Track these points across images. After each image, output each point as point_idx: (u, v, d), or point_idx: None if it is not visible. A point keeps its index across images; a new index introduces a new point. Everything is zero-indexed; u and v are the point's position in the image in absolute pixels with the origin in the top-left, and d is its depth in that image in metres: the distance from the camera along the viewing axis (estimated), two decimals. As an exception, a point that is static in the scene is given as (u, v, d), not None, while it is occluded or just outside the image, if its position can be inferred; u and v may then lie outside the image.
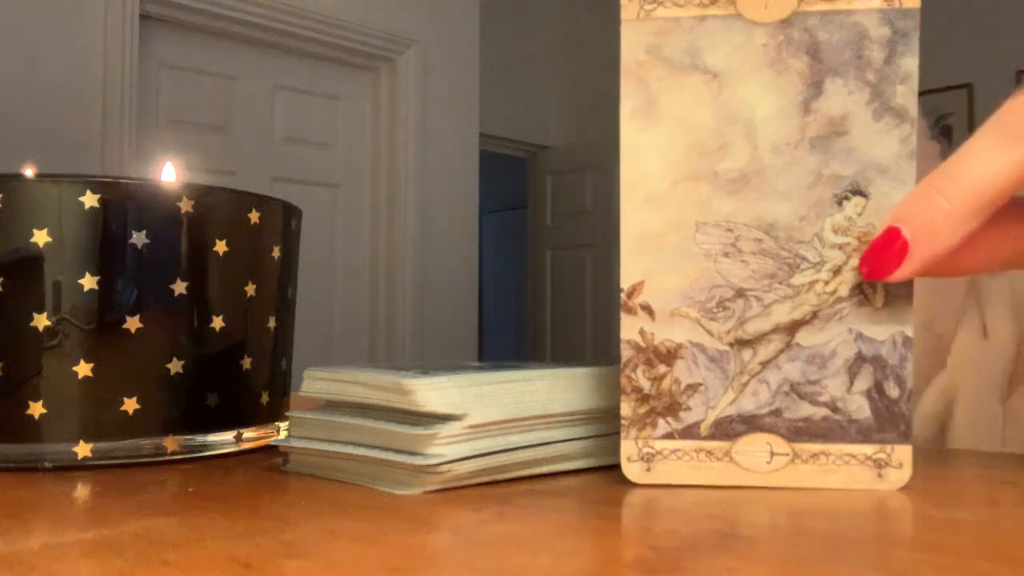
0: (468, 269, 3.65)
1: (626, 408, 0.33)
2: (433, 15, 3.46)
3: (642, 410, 0.32)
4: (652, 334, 0.32)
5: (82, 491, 0.32)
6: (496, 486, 0.32)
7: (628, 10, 0.32)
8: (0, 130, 2.36)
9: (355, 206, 3.40)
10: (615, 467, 0.35)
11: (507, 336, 5.86)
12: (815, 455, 0.32)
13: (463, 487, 0.31)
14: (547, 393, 0.34)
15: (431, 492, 0.31)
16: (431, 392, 0.31)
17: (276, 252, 0.42)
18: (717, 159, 0.32)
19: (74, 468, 0.36)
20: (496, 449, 0.32)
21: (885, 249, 0.29)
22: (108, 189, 0.36)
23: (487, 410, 0.32)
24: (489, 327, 5.87)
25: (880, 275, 0.30)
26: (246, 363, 0.41)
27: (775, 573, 0.21)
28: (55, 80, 2.53)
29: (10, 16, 2.47)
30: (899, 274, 0.29)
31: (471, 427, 0.32)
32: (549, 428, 0.34)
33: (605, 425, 0.35)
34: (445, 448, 0.31)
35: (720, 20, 0.32)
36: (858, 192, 0.31)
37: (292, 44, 3.14)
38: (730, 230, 0.32)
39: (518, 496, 0.30)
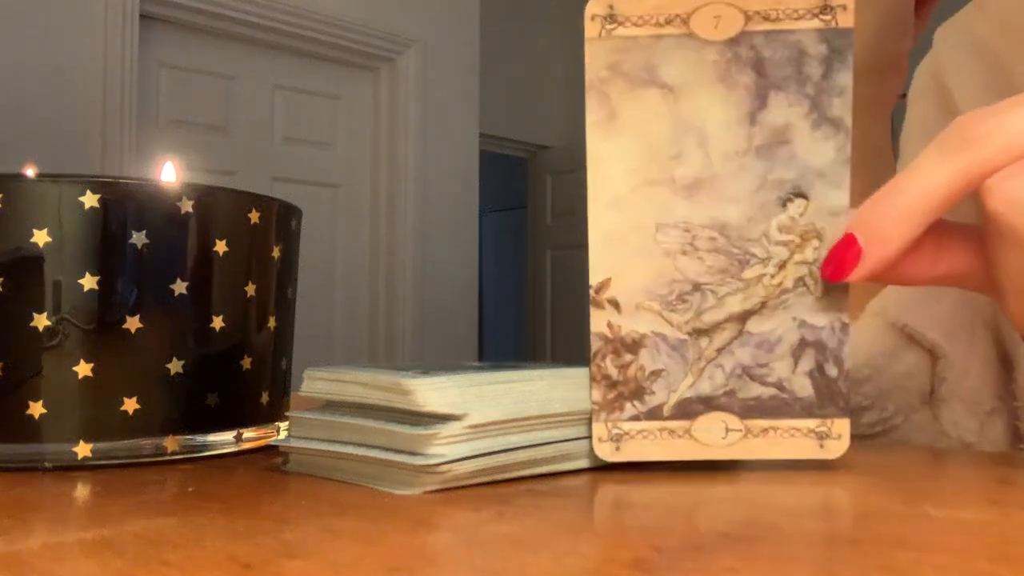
0: (468, 269, 3.65)
1: (596, 394, 0.35)
2: (433, 15, 3.46)
3: (611, 395, 0.35)
4: (619, 326, 0.35)
5: (82, 491, 0.32)
6: (496, 486, 0.32)
7: (591, 29, 0.35)
8: (0, 130, 2.36)
9: (355, 206, 3.40)
10: (615, 467, 0.35)
11: (507, 336, 5.86)
12: (765, 430, 0.34)
13: (463, 487, 0.31)
14: (547, 393, 0.34)
15: (431, 492, 0.31)
16: (431, 392, 0.32)
17: (276, 252, 0.42)
18: (674, 166, 0.34)
19: (74, 468, 0.36)
20: (496, 449, 0.32)
21: (843, 253, 0.32)
22: (108, 189, 0.36)
23: (487, 410, 0.32)
24: (489, 327, 5.87)
25: (839, 276, 0.33)
26: (246, 363, 0.41)
27: (775, 573, 0.21)
28: (55, 80, 2.53)
29: (10, 16, 2.47)
30: (856, 275, 0.32)
31: (471, 427, 0.32)
32: (549, 428, 0.34)
33: (605, 425, 0.35)
34: (445, 448, 0.31)
35: (674, 39, 0.34)
36: (800, 195, 0.34)
37: (292, 44, 3.15)
38: (687, 230, 0.34)
39: (518, 496, 0.30)
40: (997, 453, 0.50)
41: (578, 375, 0.35)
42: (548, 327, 4.57)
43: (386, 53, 3.36)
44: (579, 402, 0.35)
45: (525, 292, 4.84)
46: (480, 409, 0.32)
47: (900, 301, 0.53)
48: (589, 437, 0.35)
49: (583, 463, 0.35)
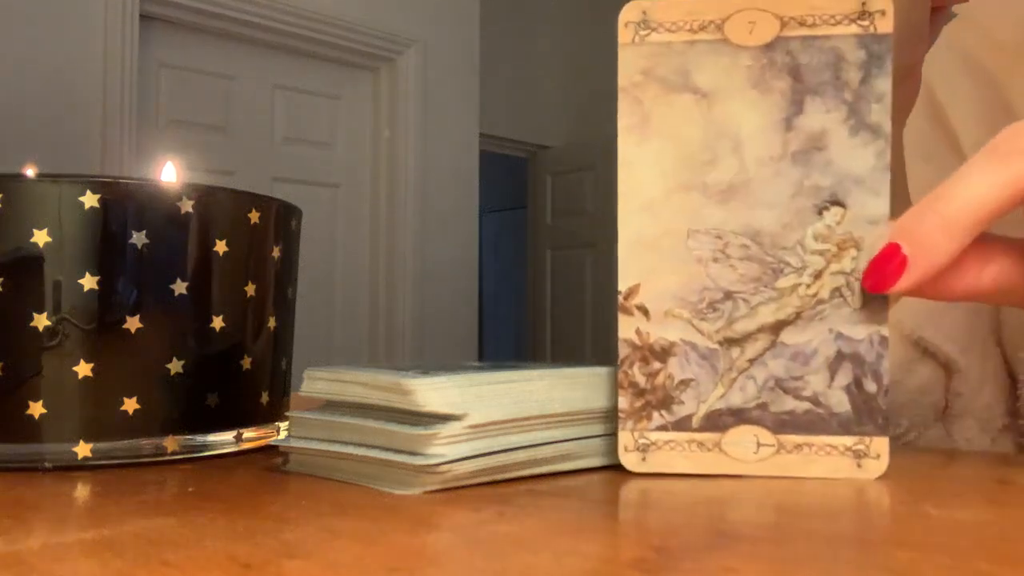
0: (468, 269, 3.65)
1: (623, 402, 0.34)
2: (433, 15, 3.46)
3: (638, 404, 0.34)
4: (648, 333, 0.34)
5: (82, 491, 0.32)
6: (496, 486, 0.32)
7: (624, 35, 0.35)
8: (0, 130, 2.36)
9: (355, 206, 3.40)
10: (615, 467, 0.35)
11: (507, 336, 5.86)
12: (799, 446, 0.34)
13: (463, 487, 0.31)
14: (547, 393, 0.34)
15: (431, 492, 0.31)
16: (431, 392, 0.32)
17: (276, 252, 0.42)
18: (707, 171, 0.34)
19: (74, 468, 0.36)
20: (496, 449, 0.32)
21: (886, 263, 0.31)
22: (108, 189, 0.36)
23: (487, 410, 0.32)
24: (489, 327, 5.87)
25: (882, 288, 0.32)
26: (246, 363, 0.41)
27: (775, 573, 0.21)
28: (55, 80, 2.53)
29: (10, 16, 2.47)
30: (899, 286, 0.31)
31: (471, 427, 0.32)
32: (549, 428, 0.34)
33: (605, 425, 0.35)
34: (445, 448, 0.31)
35: (708, 44, 0.34)
36: (837, 202, 0.33)
37: (292, 44, 3.14)
38: (719, 237, 0.34)
39: (518, 496, 0.30)
40: (997, 453, 0.50)
41: (578, 375, 0.35)
42: (548, 327, 4.57)
43: (386, 53, 3.36)
44: (579, 402, 0.35)
45: (525, 292, 4.84)
46: (480, 409, 0.32)
47: (915, 313, 0.52)
48: (590, 437, 0.35)
49: (583, 463, 0.35)
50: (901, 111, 0.53)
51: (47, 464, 0.35)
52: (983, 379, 0.52)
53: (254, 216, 0.41)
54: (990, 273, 0.32)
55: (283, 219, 0.43)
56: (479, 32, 3.65)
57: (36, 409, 0.35)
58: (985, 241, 0.32)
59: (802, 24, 0.33)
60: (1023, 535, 0.25)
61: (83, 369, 0.36)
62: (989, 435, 0.52)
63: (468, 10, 3.61)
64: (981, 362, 0.52)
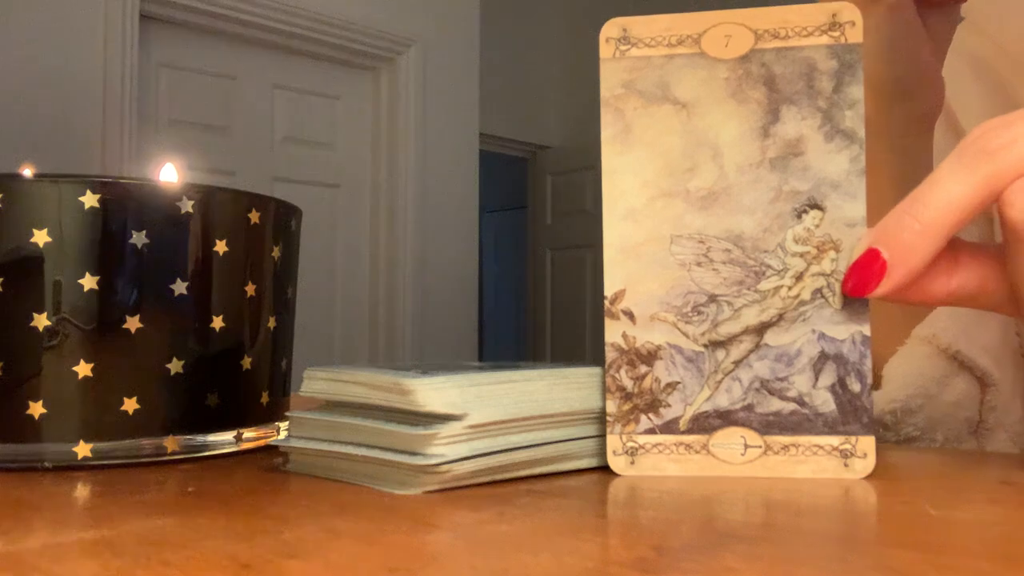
0: (468, 269, 3.65)
1: (611, 406, 0.35)
2: (433, 15, 3.46)
3: (626, 407, 0.35)
4: (634, 337, 0.35)
5: (82, 491, 0.32)
6: (496, 486, 0.32)
7: (605, 50, 0.36)
8: (0, 130, 2.36)
9: (355, 206, 3.40)
10: (615, 467, 0.35)
11: (507, 336, 5.86)
12: (785, 447, 0.34)
13: (463, 487, 0.31)
14: (547, 393, 0.34)
15: (431, 492, 0.31)
16: (431, 392, 0.32)
17: (276, 252, 0.42)
18: (688, 179, 0.35)
19: (74, 468, 0.36)
20: (496, 449, 0.32)
21: (866, 269, 0.32)
22: (108, 189, 0.36)
23: (487, 410, 0.32)
24: (489, 327, 5.87)
25: (863, 292, 0.32)
26: (246, 363, 0.41)
27: (775, 573, 0.21)
28: (55, 80, 2.53)
29: (10, 16, 2.47)
30: (880, 291, 0.32)
31: (471, 427, 0.32)
32: (549, 428, 0.34)
33: (604, 425, 0.35)
34: (445, 448, 0.31)
35: (686, 58, 0.35)
36: (815, 206, 0.34)
37: (292, 44, 3.15)
38: (702, 242, 0.35)
39: (518, 496, 0.30)
40: (999, 453, 0.50)
41: (578, 375, 0.35)
42: (548, 327, 4.57)
43: (386, 53, 3.36)
44: (579, 402, 0.35)
45: (525, 292, 4.84)
46: (480, 409, 0.32)
47: (951, 327, 0.51)
48: (589, 437, 0.35)
49: (583, 463, 0.35)
50: (923, 121, 0.51)
51: (47, 464, 0.35)
52: (1015, 392, 0.52)
53: (254, 216, 0.41)
54: (959, 275, 0.33)
55: (283, 219, 0.43)
56: (479, 32, 3.65)
57: (36, 409, 0.35)
58: (952, 246, 0.32)
59: (775, 36, 0.35)
60: (1023, 535, 0.25)
61: (83, 369, 0.36)
62: (1019, 448, 0.52)
63: (468, 10, 3.61)
64: (1013, 375, 0.52)
